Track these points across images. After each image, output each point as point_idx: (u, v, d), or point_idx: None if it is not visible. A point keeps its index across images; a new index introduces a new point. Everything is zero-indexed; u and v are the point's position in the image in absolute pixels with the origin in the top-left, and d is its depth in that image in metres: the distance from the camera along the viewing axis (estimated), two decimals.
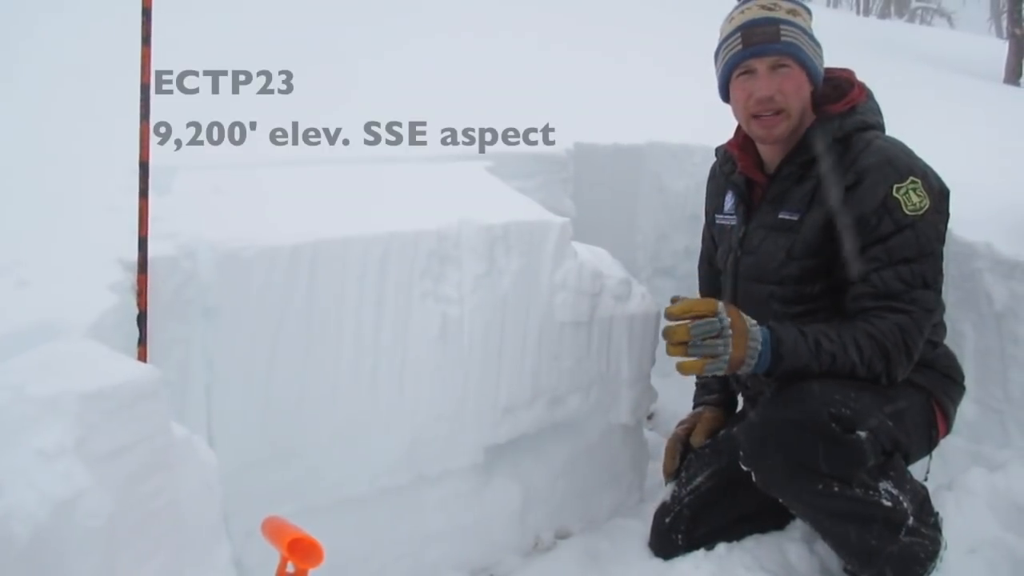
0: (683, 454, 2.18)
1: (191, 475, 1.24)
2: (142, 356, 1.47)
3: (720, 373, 1.74)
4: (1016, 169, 3.07)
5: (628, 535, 2.17)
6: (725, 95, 2.01)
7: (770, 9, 1.88)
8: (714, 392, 2.31)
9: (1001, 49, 11.19)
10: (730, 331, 1.70)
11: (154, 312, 1.51)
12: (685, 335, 1.69)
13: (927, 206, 1.78)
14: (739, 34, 1.90)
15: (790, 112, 1.89)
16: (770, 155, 2.01)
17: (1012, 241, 2.36)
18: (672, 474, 2.17)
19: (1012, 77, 10.24)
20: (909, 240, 1.78)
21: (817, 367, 1.76)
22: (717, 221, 2.20)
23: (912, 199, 1.78)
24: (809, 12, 1.96)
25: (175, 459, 1.19)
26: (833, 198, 1.84)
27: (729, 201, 2.15)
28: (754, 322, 1.76)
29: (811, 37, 1.92)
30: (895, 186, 1.78)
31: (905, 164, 1.82)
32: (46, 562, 0.98)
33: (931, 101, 4.73)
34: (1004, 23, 13.85)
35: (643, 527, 2.15)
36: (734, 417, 2.26)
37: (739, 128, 2.09)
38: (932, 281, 1.81)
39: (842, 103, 1.92)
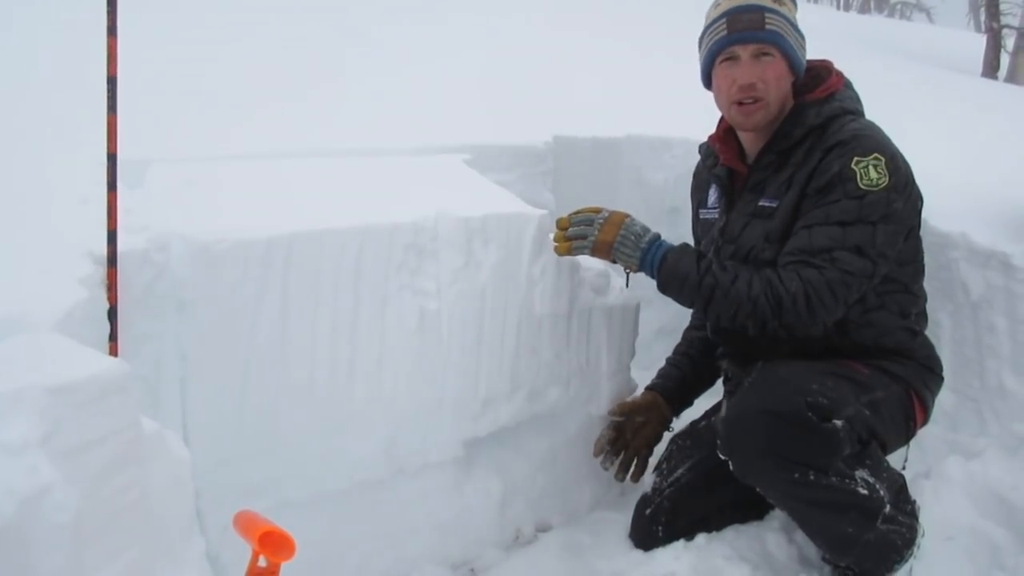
0: (612, 439, 2.19)
1: (162, 470, 1.23)
2: (113, 351, 1.45)
3: (586, 253, 1.93)
4: (994, 161, 3.09)
5: (609, 527, 2.17)
6: (708, 82, 2.01)
7: None
8: (662, 376, 2.33)
9: (979, 43, 11.30)
10: (602, 220, 1.91)
11: (126, 307, 1.49)
12: (566, 222, 1.94)
13: (884, 183, 1.77)
14: (724, 20, 1.90)
15: (769, 101, 1.90)
16: (751, 144, 2.02)
17: (988, 231, 2.37)
18: (600, 448, 2.19)
19: (990, 71, 10.34)
20: (852, 207, 1.77)
21: (697, 280, 1.81)
22: (700, 216, 2.21)
23: (870, 173, 1.77)
24: (795, 3, 1.96)
25: (145, 454, 1.18)
26: (803, 177, 1.85)
27: (713, 195, 2.16)
28: (648, 228, 1.92)
29: (795, 27, 1.92)
30: (856, 159, 1.79)
31: (873, 142, 1.82)
32: (11, 558, 0.96)
33: (910, 95, 4.76)
34: (982, 18, 13.97)
35: (623, 519, 2.16)
36: (715, 407, 2.27)
37: (720, 120, 2.10)
38: (867, 248, 1.76)
39: (820, 90, 1.93)
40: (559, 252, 1.96)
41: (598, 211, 1.94)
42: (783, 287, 1.76)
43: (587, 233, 1.91)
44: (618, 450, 2.18)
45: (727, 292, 1.79)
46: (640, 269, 1.90)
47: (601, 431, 2.21)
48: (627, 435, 2.19)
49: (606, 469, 2.19)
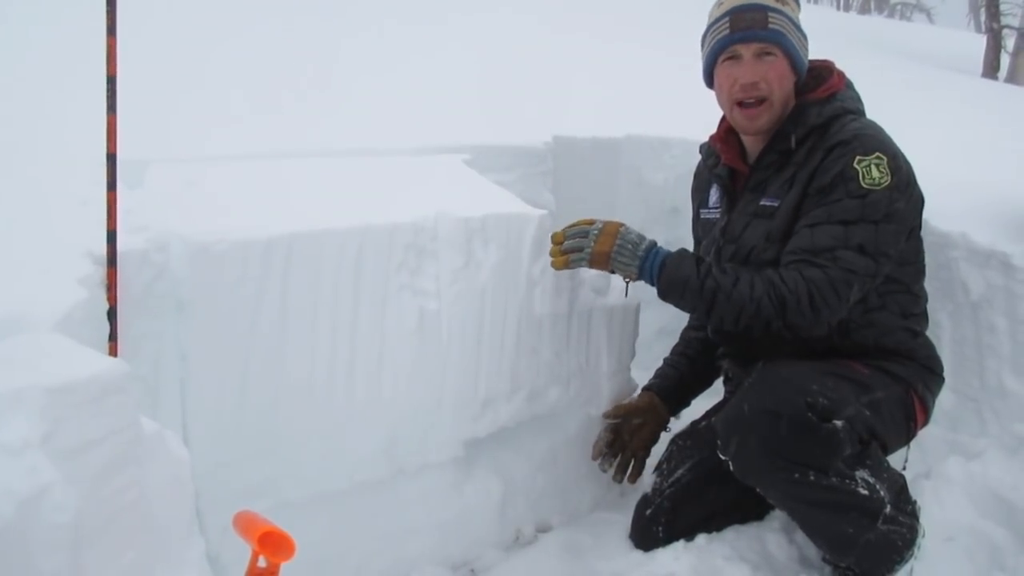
0: (610, 441, 2.18)
1: (162, 470, 1.23)
2: (113, 351, 1.45)
3: (583, 265, 1.91)
4: (994, 161, 3.09)
5: (609, 528, 2.17)
6: (709, 80, 2.01)
7: None
8: (659, 377, 2.33)
9: (979, 44, 11.30)
10: (596, 231, 1.89)
11: (125, 307, 1.49)
12: (561, 236, 1.92)
13: (886, 182, 1.77)
14: (727, 19, 1.89)
15: (772, 101, 1.89)
16: (752, 144, 2.01)
17: (988, 231, 2.37)
18: (599, 451, 2.18)
19: (990, 71, 10.35)
20: (854, 205, 1.77)
21: (698, 284, 1.80)
22: (702, 216, 2.21)
23: (872, 172, 1.77)
24: (798, 3, 1.96)
25: (145, 454, 1.18)
26: (805, 177, 1.85)
27: (714, 195, 2.16)
28: (643, 236, 1.89)
29: (798, 27, 1.92)
30: (858, 158, 1.78)
31: (875, 141, 1.82)
32: (11, 558, 0.96)
33: (910, 95, 4.76)
34: (982, 18, 13.97)
35: (624, 520, 2.15)
36: (715, 407, 2.27)
37: (721, 120, 2.09)
38: (870, 247, 1.77)
39: (821, 90, 1.93)
40: (556, 266, 1.94)
41: (592, 222, 1.92)
42: (786, 287, 1.75)
43: (583, 245, 1.89)
44: (616, 452, 2.18)
45: (729, 295, 1.78)
46: (639, 277, 1.89)
47: (599, 433, 2.21)
48: (624, 436, 2.19)
49: (604, 471, 2.19)
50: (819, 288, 1.74)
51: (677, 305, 1.89)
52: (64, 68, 2.70)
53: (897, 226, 1.80)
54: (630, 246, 1.88)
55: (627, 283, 1.99)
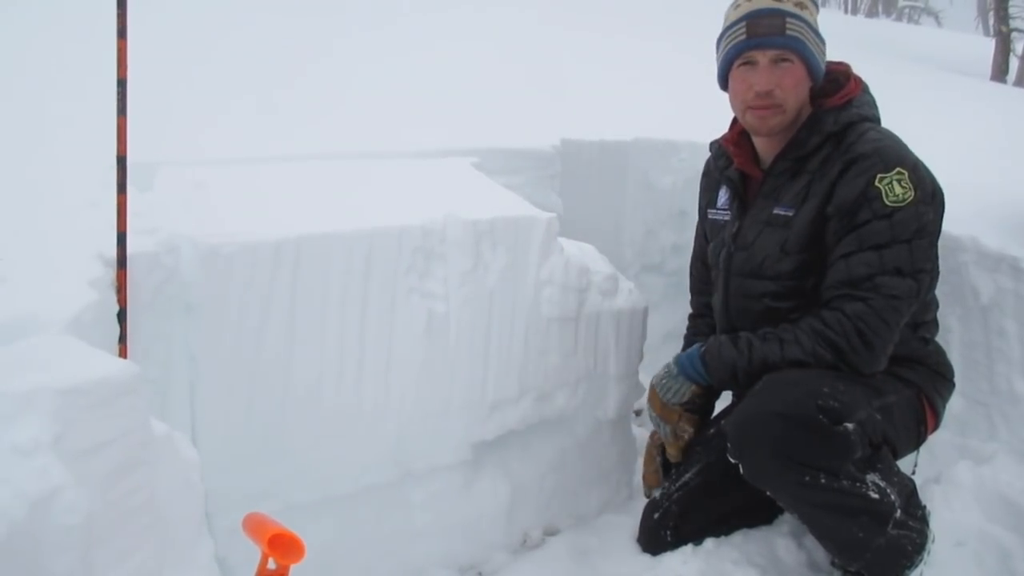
0: (663, 464, 2.14)
1: (172, 472, 1.23)
2: (123, 353, 1.46)
3: (667, 428, 2.02)
4: (1003, 165, 3.08)
5: (617, 531, 2.16)
6: (724, 84, 1.98)
7: (778, 0, 1.86)
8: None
9: (988, 47, 11.28)
10: (648, 404, 2.03)
11: (135, 309, 1.50)
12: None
13: (911, 197, 1.75)
14: (744, 23, 1.86)
15: (786, 107, 1.87)
16: (766, 149, 1.99)
17: (998, 235, 2.36)
18: (653, 487, 2.14)
19: (998, 74, 10.33)
20: (883, 228, 1.75)
21: (746, 365, 1.83)
22: (710, 216, 2.19)
23: (895, 189, 1.76)
24: (816, 7, 1.93)
25: (155, 456, 1.18)
26: (823, 189, 1.84)
27: (723, 196, 2.13)
28: (666, 363, 1.99)
29: (816, 32, 1.89)
30: (879, 175, 1.76)
31: (894, 155, 1.80)
32: (22, 560, 0.96)
33: (918, 98, 4.74)
34: (991, 21, 13.94)
35: (631, 523, 2.15)
36: (724, 410, 2.25)
37: (734, 122, 2.07)
38: (907, 268, 1.76)
39: (838, 96, 1.90)
40: (676, 455, 2.07)
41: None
42: (831, 331, 1.75)
43: (654, 420, 2.03)
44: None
45: (783, 360, 1.79)
46: (694, 383, 1.94)
47: (649, 458, 2.15)
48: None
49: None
50: (866, 322, 1.74)
51: (735, 389, 1.95)
52: (70, 70, 2.71)
53: (929, 239, 1.80)
54: (665, 379, 1.97)
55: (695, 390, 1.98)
